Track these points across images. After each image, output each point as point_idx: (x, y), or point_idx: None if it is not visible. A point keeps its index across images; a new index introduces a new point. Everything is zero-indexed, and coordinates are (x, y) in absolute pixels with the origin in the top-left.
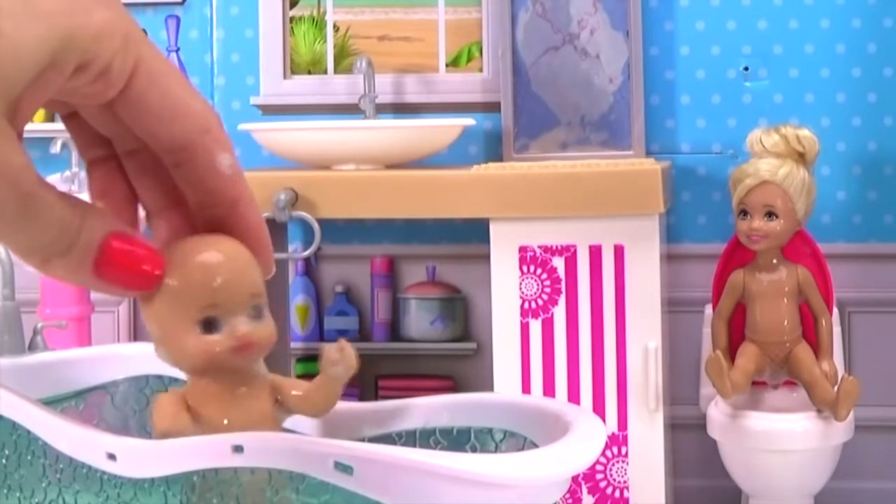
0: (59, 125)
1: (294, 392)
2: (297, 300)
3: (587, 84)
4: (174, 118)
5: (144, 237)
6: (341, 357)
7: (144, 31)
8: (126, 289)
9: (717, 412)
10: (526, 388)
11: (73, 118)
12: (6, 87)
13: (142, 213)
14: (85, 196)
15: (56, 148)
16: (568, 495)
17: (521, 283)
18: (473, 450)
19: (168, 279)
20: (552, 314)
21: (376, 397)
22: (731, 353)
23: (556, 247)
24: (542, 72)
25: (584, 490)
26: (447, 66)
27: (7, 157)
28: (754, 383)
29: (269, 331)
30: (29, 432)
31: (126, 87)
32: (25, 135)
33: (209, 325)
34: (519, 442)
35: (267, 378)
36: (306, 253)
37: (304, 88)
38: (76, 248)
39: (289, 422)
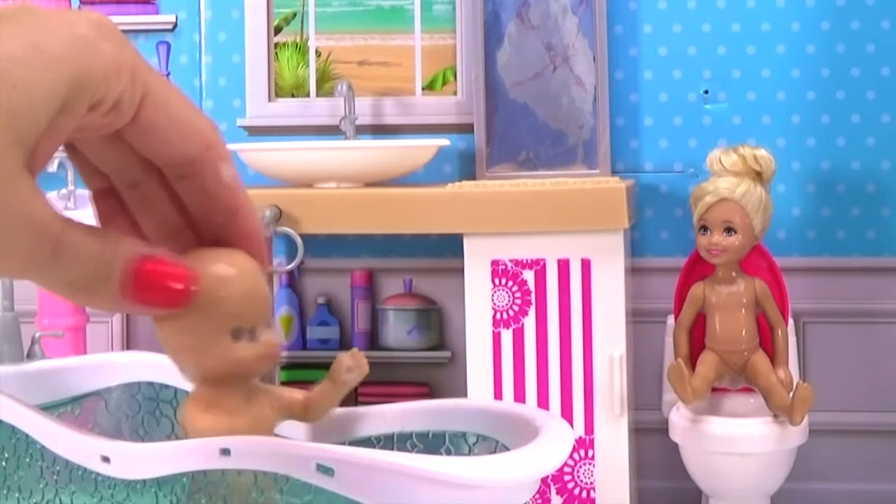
0: None
1: (295, 398)
2: (282, 311)
3: (567, 106)
4: (181, 139)
5: (172, 255)
6: (355, 364)
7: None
8: (165, 308)
9: (678, 417)
10: (498, 395)
11: (73, 150)
12: (22, 137)
13: None
14: (79, 214)
15: (53, 167)
16: (537, 496)
17: (493, 295)
18: (448, 452)
19: (202, 291)
20: (523, 324)
21: (356, 403)
22: (692, 361)
23: (527, 260)
24: (522, 93)
25: (553, 491)
26: (423, 89)
27: (32, 208)
28: (714, 390)
29: (281, 339)
30: (27, 436)
31: (134, 116)
32: None
33: (237, 334)
34: (491, 445)
35: (261, 386)
36: (290, 266)
37: (287, 111)
38: (113, 278)
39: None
